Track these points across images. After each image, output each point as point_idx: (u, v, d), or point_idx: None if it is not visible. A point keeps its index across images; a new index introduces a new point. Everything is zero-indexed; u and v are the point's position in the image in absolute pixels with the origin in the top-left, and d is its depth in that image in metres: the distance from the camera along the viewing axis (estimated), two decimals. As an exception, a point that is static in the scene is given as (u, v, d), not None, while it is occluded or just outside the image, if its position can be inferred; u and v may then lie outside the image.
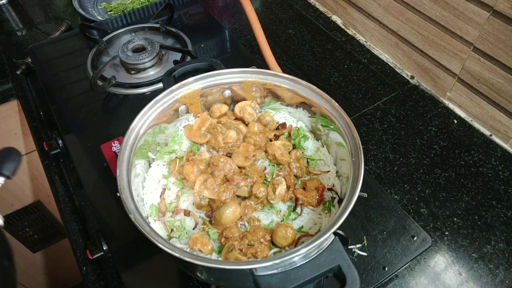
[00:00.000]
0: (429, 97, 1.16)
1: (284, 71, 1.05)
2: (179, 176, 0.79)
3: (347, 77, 1.22)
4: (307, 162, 0.83)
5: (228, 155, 0.81)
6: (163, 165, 0.82)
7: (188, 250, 0.69)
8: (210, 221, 0.75)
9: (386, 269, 0.78)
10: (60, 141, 1.03)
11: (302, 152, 0.83)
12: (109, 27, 1.35)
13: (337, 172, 0.80)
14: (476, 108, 1.06)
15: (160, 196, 0.78)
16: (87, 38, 1.26)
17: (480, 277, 0.81)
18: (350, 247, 0.81)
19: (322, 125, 0.83)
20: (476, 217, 0.90)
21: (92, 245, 0.83)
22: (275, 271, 0.57)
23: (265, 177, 0.79)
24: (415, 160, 1.00)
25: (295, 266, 0.58)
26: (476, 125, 1.08)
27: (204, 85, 0.85)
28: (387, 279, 0.78)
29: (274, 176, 0.78)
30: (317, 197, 0.76)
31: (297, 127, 0.88)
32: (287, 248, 0.70)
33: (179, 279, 0.79)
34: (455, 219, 0.90)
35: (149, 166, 0.82)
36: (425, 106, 1.13)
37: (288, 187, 0.76)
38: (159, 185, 0.79)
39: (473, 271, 0.82)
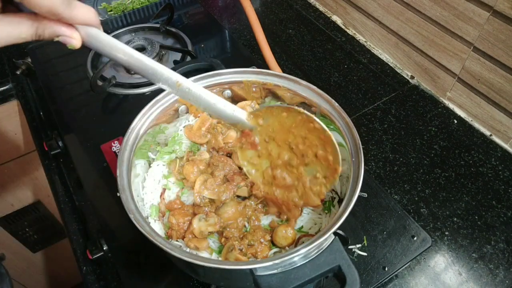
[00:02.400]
0: (429, 97, 1.16)
1: (284, 71, 1.05)
2: (179, 176, 0.79)
3: (347, 77, 1.22)
4: (307, 162, 0.82)
5: (228, 155, 0.81)
6: (163, 165, 0.82)
7: (188, 250, 0.69)
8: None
9: (386, 269, 0.78)
10: (60, 141, 1.03)
11: (302, 152, 0.83)
12: (109, 27, 1.35)
13: (337, 172, 0.80)
14: (476, 108, 1.06)
15: (160, 196, 0.78)
16: (87, 38, 1.26)
17: (480, 277, 0.81)
18: (350, 247, 0.81)
19: (322, 125, 0.82)
20: (476, 217, 0.90)
21: (92, 245, 0.83)
22: (275, 271, 0.57)
23: (265, 177, 0.79)
24: (415, 160, 1.00)
25: (295, 266, 0.58)
26: (476, 125, 1.08)
27: (204, 85, 0.84)
28: (387, 279, 0.78)
29: (274, 176, 0.78)
30: (317, 197, 0.76)
31: (297, 127, 0.87)
32: (287, 248, 0.70)
33: (179, 279, 0.79)
34: (455, 219, 0.90)
35: (149, 166, 0.81)
36: (425, 106, 1.13)
37: (288, 187, 0.76)
38: (159, 185, 0.79)
39: (473, 271, 0.82)
